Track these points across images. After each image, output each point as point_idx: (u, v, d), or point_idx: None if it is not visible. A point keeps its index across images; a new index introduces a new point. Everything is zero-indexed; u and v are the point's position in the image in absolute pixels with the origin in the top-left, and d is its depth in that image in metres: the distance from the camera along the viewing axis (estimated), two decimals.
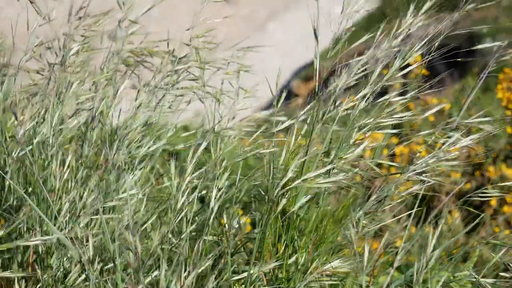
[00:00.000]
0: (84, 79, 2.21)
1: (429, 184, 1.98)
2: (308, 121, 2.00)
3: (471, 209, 2.31)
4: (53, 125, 2.04)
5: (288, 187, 1.88)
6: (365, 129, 2.00)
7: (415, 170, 1.95)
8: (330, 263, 1.92)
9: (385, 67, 2.03)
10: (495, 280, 1.92)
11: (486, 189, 2.02)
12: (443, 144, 1.97)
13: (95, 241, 1.92)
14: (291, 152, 1.95)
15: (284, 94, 2.17)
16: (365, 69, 2.01)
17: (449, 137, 1.98)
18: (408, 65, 2.07)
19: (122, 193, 2.02)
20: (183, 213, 1.94)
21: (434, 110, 2.08)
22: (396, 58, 2.03)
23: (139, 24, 2.30)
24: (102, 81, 2.23)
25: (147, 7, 2.31)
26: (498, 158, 5.70)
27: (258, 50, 2.31)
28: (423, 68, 2.00)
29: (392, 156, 5.17)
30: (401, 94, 2.07)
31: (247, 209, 2.51)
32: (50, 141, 2.03)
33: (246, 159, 2.17)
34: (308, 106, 2.00)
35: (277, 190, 1.86)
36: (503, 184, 2.00)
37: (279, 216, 1.99)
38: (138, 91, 2.23)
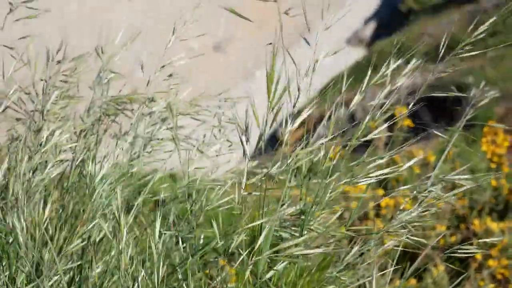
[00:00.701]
0: (64, 128, 2.17)
1: (413, 237, 1.94)
2: (289, 173, 1.96)
3: (454, 267, 2.27)
4: (26, 178, 2.00)
5: (258, 257, 1.82)
6: (348, 181, 1.96)
7: (398, 223, 1.91)
8: None
9: (372, 118, 2.00)
10: None
11: (471, 243, 1.98)
12: (425, 198, 1.94)
13: None
14: (263, 210, 1.89)
15: (261, 144, 2.13)
16: (352, 119, 1.99)
17: (430, 191, 1.94)
18: (393, 116, 2.05)
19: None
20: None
21: (413, 162, 2.04)
22: (381, 109, 2.01)
23: (119, 73, 2.28)
24: (82, 130, 2.20)
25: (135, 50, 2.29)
26: (483, 211, 5.69)
27: (242, 101, 2.29)
28: (409, 120, 1.98)
29: (378, 208, 5.15)
30: (387, 144, 2.05)
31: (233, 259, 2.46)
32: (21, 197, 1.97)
33: (232, 208, 2.13)
34: (292, 157, 1.96)
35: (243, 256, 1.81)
36: (487, 240, 1.97)
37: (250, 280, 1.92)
38: (119, 139, 2.20)
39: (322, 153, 1.95)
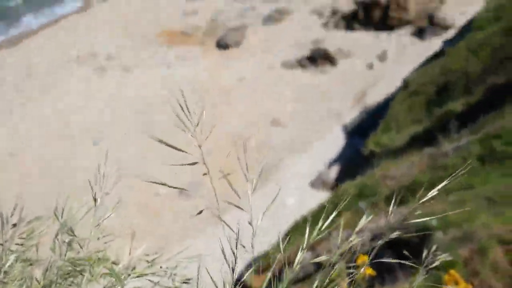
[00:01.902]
0: None
1: None
2: None
3: None
4: None
5: None
6: None
7: None
8: None
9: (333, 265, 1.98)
10: None
11: None
12: None
13: None
14: None
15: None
16: (318, 263, 1.97)
17: None
18: (356, 264, 2.04)
19: None
20: None
21: None
22: (342, 255, 2.00)
23: (77, 236, 2.24)
24: None
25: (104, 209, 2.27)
26: None
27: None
28: (371, 269, 1.96)
29: None
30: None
31: None
32: None
33: None
34: None
35: None
36: None
37: None
38: None
39: None
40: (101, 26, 43.10)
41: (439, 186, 2.13)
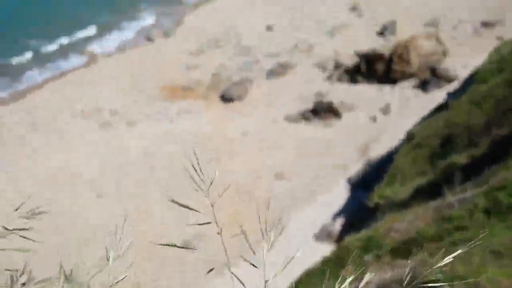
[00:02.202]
0: None
1: None
2: None
3: None
4: None
5: None
6: None
7: None
8: None
9: None
10: None
11: None
12: None
13: None
14: None
15: None
16: None
17: None
18: None
19: None
20: None
21: None
22: None
23: None
24: None
25: None
26: None
27: None
28: None
29: None
30: None
31: None
32: None
33: None
34: None
35: None
36: None
37: None
38: None
39: None
40: (105, 81, 43.46)
41: (454, 254, 2.10)
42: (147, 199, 31.92)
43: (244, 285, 1.99)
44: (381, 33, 45.79)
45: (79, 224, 30.44)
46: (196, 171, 2.09)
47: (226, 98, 39.84)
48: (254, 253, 2.08)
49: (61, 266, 2.18)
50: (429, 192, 20.11)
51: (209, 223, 2.04)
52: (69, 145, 36.82)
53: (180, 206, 2.13)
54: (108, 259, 2.23)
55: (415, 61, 38.90)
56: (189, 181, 2.13)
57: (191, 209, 2.06)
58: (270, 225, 2.23)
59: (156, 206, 31.01)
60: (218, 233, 2.10)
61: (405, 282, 1.97)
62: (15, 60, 45.78)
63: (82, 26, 50.78)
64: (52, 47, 47.80)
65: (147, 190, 32.69)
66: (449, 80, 38.05)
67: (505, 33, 42.34)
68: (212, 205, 2.07)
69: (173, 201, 2.14)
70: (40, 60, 46.40)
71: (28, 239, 2.03)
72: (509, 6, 46.62)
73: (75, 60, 46.81)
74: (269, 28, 48.54)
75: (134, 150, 36.03)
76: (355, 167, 32.54)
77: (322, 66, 42.54)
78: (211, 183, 2.08)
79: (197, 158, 2.12)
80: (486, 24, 44.07)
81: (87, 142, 37.04)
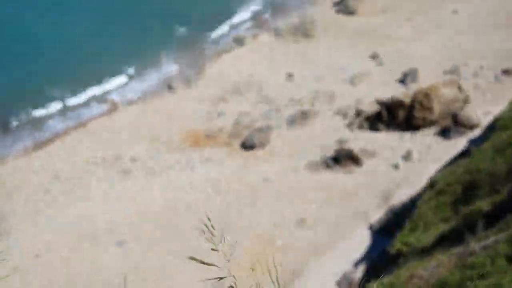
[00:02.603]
0: None
1: None
2: None
3: None
4: None
5: None
6: None
7: None
8: None
9: None
10: None
11: None
12: None
13: None
14: None
15: None
16: None
17: None
18: None
19: None
20: None
21: None
22: None
23: None
24: None
25: None
26: None
27: None
28: None
29: None
30: None
31: None
32: None
33: None
34: None
35: None
36: None
37: None
38: None
39: None
40: (126, 129, 43.79)
41: None
42: (166, 248, 31.85)
43: None
44: (401, 81, 45.90)
45: (97, 272, 30.39)
46: (212, 233, 2.12)
47: (247, 146, 39.95)
48: None
49: None
50: (452, 239, 19.94)
51: (224, 278, 2.06)
52: (89, 193, 36.97)
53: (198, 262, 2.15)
54: None
55: (437, 108, 38.86)
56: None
57: (208, 264, 2.08)
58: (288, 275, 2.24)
59: (176, 260, 30.92)
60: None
61: None
62: (38, 112, 46.37)
63: (105, 75, 51.45)
64: (75, 98, 48.45)
65: (166, 239, 32.63)
66: (471, 127, 37.92)
67: None
68: (228, 260, 2.09)
69: (191, 258, 2.16)
70: (63, 110, 46.95)
71: None
72: None
73: (96, 108, 47.28)
74: (289, 77, 48.85)
75: (155, 198, 36.09)
76: (377, 214, 32.33)
77: (343, 114, 42.63)
78: (225, 240, 2.10)
79: (211, 222, 2.15)
80: (506, 72, 44.05)
81: (107, 190, 37.18)
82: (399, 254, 23.11)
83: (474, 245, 17.12)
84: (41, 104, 47.20)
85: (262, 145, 39.84)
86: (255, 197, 35.05)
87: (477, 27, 52.46)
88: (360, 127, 40.68)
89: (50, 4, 63.67)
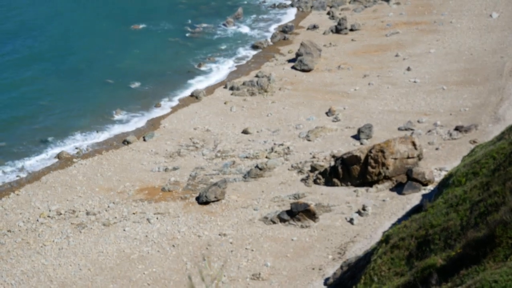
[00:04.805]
0: None
1: None
2: None
3: None
4: None
5: None
6: None
7: None
8: None
9: None
10: None
11: None
12: None
13: None
14: None
15: None
16: None
17: None
18: None
19: None
20: None
21: None
22: None
23: None
24: None
25: None
26: None
27: None
28: None
29: None
30: None
31: None
32: None
33: None
34: None
35: None
36: None
37: None
38: None
39: None
40: (80, 183, 43.25)
41: None
42: None
43: None
44: (357, 137, 46.36)
45: None
46: None
47: (203, 200, 39.69)
48: None
49: None
50: None
51: None
52: (43, 247, 36.20)
53: None
54: None
55: (391, 164, 39.23)
56: None
57: None
58: None
59: None
60: None
61: None
62: None
63: (60, 129, 51.11)
64: (29, 151, 48.00)
65: None
66: (425, 183, 38.30)
67: (478, 136, 43.05)
68: None
69: None
70: (17, 163, 46.38)
71: None
72: (481, 110, 47.65)
73: (51, 161, 46.77)
74: (245, 131, 49.01)
75: (109, 251, 35.48)
76: (332, 268, 32.19)
77: (298, 169, 42.76)
78: None
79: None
80: (460, 129, 44.83)
81: (61, 244, 36.45)
82: None
83: None
84: None
85: (218, 199, 39.62)
86: (211, 250, 34.68)
87: (430, 86, 53.54)
88: (316, 181, 40.79)
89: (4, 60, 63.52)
